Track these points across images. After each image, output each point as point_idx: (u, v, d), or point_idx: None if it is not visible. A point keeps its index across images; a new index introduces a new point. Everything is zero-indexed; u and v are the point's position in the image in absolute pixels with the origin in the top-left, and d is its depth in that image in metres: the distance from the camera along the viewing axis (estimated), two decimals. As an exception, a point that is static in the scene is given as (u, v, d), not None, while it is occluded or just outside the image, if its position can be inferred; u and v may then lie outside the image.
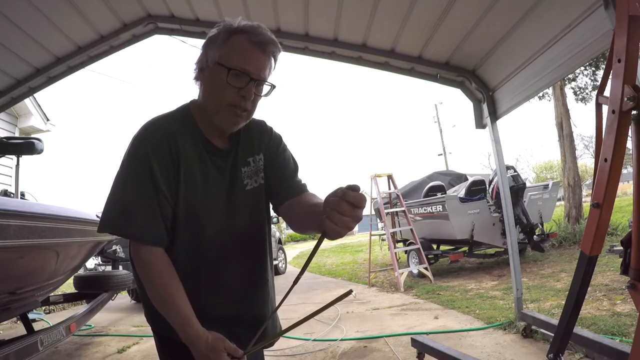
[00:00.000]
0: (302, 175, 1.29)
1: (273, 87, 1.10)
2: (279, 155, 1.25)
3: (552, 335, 2.01)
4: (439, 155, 26.76)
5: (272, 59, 1.09)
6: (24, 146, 3.39)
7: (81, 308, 3.60)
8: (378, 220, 9.78)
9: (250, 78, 1.04)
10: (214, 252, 1.11)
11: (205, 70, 1.08)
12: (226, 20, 1.09)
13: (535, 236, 6.73)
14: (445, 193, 7.83)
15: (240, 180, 1.17)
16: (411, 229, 7.15)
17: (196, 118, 1.13)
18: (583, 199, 10.47)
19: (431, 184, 8.29)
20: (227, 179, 1.15)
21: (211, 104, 1.08)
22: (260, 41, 1.05)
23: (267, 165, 1.22)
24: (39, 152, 3.36)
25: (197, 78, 1.11)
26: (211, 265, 1.12)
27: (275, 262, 9.55)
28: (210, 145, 1.13)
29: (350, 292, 0.96)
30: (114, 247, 4.59)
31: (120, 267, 4.73)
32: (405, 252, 7.81)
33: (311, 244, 25.98)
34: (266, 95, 1.11)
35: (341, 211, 0.81)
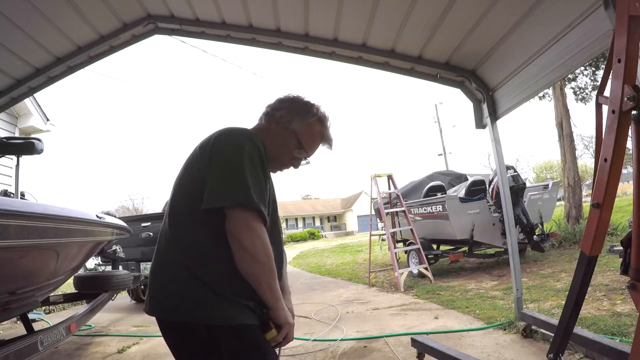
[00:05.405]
0: None
1: (308, 163, 1.47)
2: None
3: (552, 335, 2.01)
4: (439, 155, 26.77)
5: None
6: (24, 146, 3.39)
7: (81, 308, 3.60)
8: (378, 220, 9.78)
9: (305, 157, 1.43)
10: (274, 241, 1.30)
11: (281, 126, 1.38)
12: (315, 104, 1.43)
13: (535, 236, 6.72)
14: (445, 193, 7.83)
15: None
16: (411, 229, 7.15)
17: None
18: (583, 199, 10.47)
19: (431, 184, 8.28)
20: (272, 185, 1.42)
21: (272, 152, 1.35)
22: (326, 138, 1.44)
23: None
24: (39, 152, 3.37)
25: (268, 121, 1.40)
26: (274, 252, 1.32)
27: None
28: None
29: None
30: (114, 247, 4.58)
31: (120, 267, 4.73)
32: (405, 252, 7.81)
33: (310, 244, 25.98)
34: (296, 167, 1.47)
35: None
